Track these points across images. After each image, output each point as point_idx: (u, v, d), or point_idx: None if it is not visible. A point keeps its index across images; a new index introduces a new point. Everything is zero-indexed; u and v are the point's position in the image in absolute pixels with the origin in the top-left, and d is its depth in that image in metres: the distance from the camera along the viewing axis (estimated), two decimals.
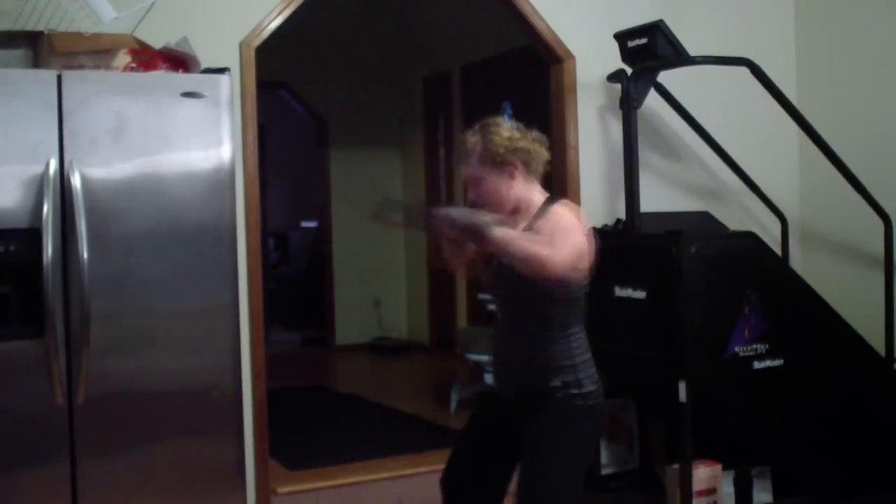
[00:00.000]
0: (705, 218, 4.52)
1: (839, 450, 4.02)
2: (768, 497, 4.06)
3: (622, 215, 4.21)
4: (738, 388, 3.86)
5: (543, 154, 2.78)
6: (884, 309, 4.43)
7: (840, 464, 4.03)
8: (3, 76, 3.04)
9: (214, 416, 3.25)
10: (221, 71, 3.30)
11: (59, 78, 3.02)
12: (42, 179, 2.97)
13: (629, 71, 4.18)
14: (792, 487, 4.04)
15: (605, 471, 4.25)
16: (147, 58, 3.30)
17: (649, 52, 4.13)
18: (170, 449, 3.17)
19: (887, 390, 4.18)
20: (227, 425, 3.28)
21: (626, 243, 4.10)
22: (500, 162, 2.71)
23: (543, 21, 4.48)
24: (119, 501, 3.11)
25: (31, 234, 2.95)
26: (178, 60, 3.32)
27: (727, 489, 3.99)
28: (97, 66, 3.22)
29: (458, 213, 2.61)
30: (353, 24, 8.04)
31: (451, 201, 7.39)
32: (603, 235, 4.27)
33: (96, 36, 3.28)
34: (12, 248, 2.96)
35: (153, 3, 3.45)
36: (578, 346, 2.75)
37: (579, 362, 2.74)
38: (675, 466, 3.90)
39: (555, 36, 4.51)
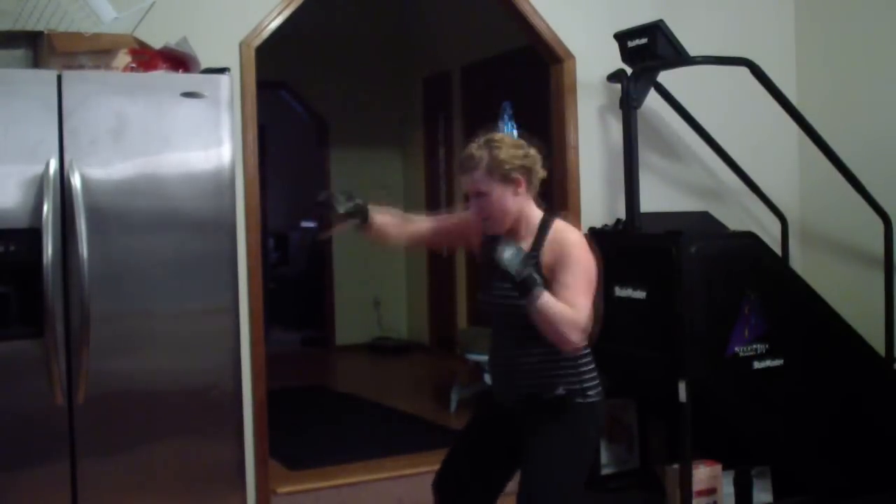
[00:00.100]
0: (705, 218, 4.52)
1: (839, 450, 4.02)
2: (768, 497, 4.06)
3: (622, 215, 4.21)
4: (738, 388, 3.86)
5: (541, 172, 2.81)
6: (884, 309, 4.43)
7: (840, 464, 4.03)
8: (3, 76, 3.04)
9: (214, 416, 3.25)
10: (221, 71, 3.29)
11: (59, 78, 3.02)
12: (42, 179, 2.97)
13: (629, 71, 4.18)
14: (792, 487, 4.04)
15: (605, 471, 4.25)
16: (147, 58, 3.30)
17: (649, 52, 4.13)
18: (170, 449, 3.17)
19: (887, 390, 4.18)
20: (227, 425, 3.28)
21: (626, 243, 4.10)
22: (506, 176, 2.71)
23: (543, 21, 4.48)
24: (119, 501, 3.11)
25: (31, 234, 2.95)
26: (178, 60, 3.32)
27: (727, 489, 4.00)
28: (97, 66, 3.22)
29: (509, 255, 2.59)
30: (353, 24, 8.04)
31: (451, 201, 7.39)
32: (603, 235, 4.33)
33: (96, 36, 3.28)
34: (12, 248, 2.96)
35: (153, 3, 3.45)
36: (581, 354, 2.75)
37: (583, 371, 2.75)
38: (675, 466, 3.90)
39: (555, 36, 4.51)
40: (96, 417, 3.06)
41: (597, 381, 2.77)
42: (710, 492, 3.94)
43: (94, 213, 3.02)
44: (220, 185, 3.23)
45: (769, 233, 4.79)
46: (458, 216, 3.03)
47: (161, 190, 3.14)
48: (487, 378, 5.16)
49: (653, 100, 4.38)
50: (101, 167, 3.06)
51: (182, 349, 3.19)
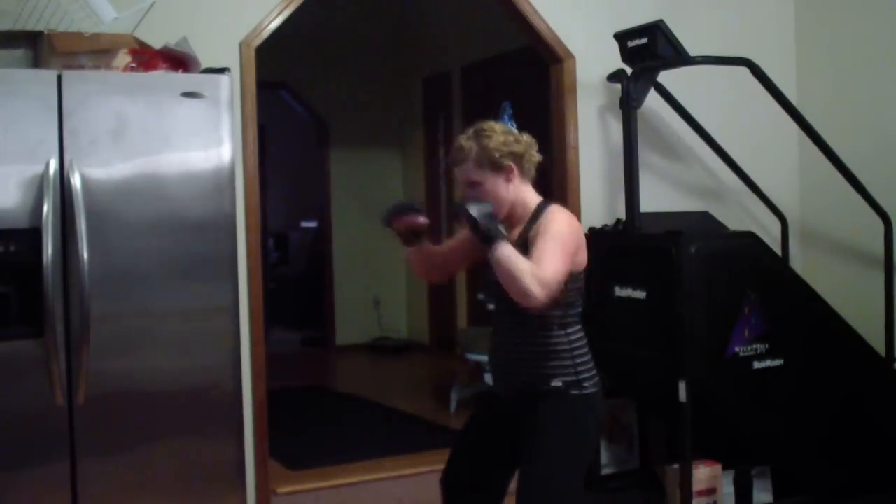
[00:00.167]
0: (705, 218, 4.52)
1: (839, 450, 4.02)
2: (768, 497, 4.06)
3: (622, 215, 4.21)
4: (738, 388, 3.86)
5: (535, 156, 2.82)
6: (884, 309, 4.43)
7: (840, 464, 4.03)
8: (3, 76, 3.04)
9: (214, 416, 3.25)
10: (221, 71, 3.29)
11: (59, 78, 3.02)
12: (42, 179, 2.97)
13: (629, 71, 4.18)
14: (792, 487, 4.04)
15: (605, 471, 4.25)
16: (147, 58, 3.30)
17: (649, 52, 4.13)
18: (170, 449, 3.17)
19: (887, 390, 4.18)
20: (227, 425, 3.28)
21: (626, 243, 4.10)
22: (496, 164, 2.73)
23: (543, 21, 4.48)
24: (119, 501, 3.11)
25: (31, 234, 2.95)
26: (178, 60, 3.32)
27: (727, 489, 4.00)
28: (97, 66, 3.22)
29: (479, 210, 2.62)
30: (353, 24, 8.04)
31: (451, 201, 7.39)
32: (603, 235, 4.33)
33: (96, 36, 3.28)
34: (12, 248, 2.96)
35: (153, 3, 3.45)
36: (578, 346, 2.76)
37: (579, 362, 2.74)
38: (675, 466, 3.90)
39: (555, 36, 4.51)
40: (96, 417, 3.06)
41: (593, 372, 2.77)
42: (710, 492, 3.94)
43: (94, 212, 3.02)
44: (220, 185, 3.23)
45: (769, 233, 4.79)
46: (462, 233, 3.00)
47: (161, 190, 3.15)
48: (487, 378, 5.17)
49: (653, 100, 4.38)
50: (101, 167, 3.06)
51: (182, 349, 3.19)
